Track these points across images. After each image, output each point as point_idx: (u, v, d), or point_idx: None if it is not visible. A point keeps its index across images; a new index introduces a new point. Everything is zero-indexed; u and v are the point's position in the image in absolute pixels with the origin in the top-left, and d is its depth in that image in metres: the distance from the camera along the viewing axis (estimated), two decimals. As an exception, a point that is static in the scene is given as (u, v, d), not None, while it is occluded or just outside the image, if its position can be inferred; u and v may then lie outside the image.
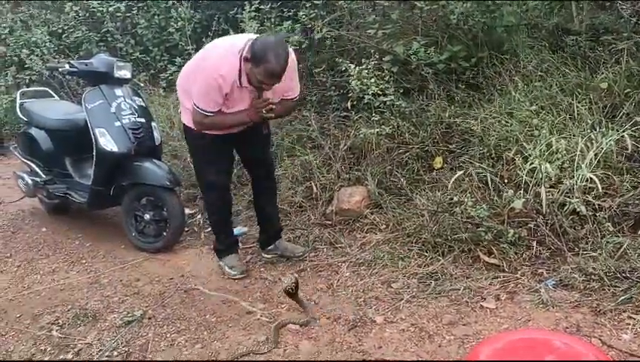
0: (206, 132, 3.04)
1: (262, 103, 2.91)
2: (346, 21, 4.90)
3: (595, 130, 3.21)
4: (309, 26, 4.69)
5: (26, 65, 6.97)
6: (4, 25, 7.61)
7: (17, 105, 4.44)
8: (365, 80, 3.89)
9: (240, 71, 2.81)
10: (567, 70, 3.81)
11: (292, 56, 2.93)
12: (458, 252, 3.08)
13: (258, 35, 2.85)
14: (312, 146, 4.23)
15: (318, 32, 4.56)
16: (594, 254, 2.76)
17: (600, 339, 2.33)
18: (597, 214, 2.89)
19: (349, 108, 4.15)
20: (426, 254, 3.14)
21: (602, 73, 3.62)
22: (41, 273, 3.50)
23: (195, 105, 2.93)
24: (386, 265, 3.14)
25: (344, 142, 4.02)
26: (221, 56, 2.87)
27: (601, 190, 2.92)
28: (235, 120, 3.01)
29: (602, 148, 3.06)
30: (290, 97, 3.13)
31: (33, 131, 4.22)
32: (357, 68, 3.93)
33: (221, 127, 3.03)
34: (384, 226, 3.49)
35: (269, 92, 2.94)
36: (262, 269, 3.34)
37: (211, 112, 2.92)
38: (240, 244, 3.56)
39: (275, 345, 2.52)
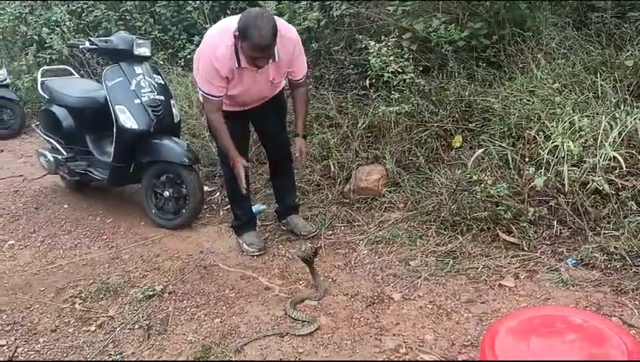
0: (224, 108, 3.03)
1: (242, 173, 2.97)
2: (365, -2, 4.84)
3: (620, 109, 3.14)
4: (328, 2, 4.64)
5: (47, 45, 7.02)
6: (25, 4, 7.66)
7: (39, 83, 4.49)
8: (384, 58, 3.85)
9: (237, 52, 2.79)
10: (591, 47, 3.73)
11: (294, 34, 2.93)
12: (477, 230, 3.06)
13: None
14: (330, 125, 4.22)
15: (336, 10, 4.51)
16: (616, 233, 2.72)
17: (620, 318, 2.31)
18: (620, 193, 2.84)
19: (368, 86, 4.11)
20: (444, 232, 3.13)
21: (628, 51, 3.53)
22: (63, 248, 3.57)
23: (201, 89, 2.96)
24: (404, 243, 3.14)
25: (362, 120, 3.99)
26: (215, 39, 2.86)
27: (624, 169, 2.87)
28: (224, 142, 3.02)
29: (627, 127, 2.99)
30: (295, 78, 3.11)
31: (54, 109, 4.27)
32: (376, 45, 3.88)
33: (217, 131, 3.03)
34: (402, 205, 3.48)
35: (271, 71, 2.92)
36: (280, 246, 3.36)
37: (216, 97, 2.92)
38: (258, 222, 3.58)
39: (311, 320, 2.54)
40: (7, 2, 7.90)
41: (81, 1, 7.27)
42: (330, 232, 3.44)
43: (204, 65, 2.87)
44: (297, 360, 2.32)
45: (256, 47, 2.68)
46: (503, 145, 3.31)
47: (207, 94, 2.93)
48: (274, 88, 3.13)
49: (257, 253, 3.26)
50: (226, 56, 2.79)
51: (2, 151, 6.22)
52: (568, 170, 2.91)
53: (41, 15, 7.46)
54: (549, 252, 2.83)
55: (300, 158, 3.16)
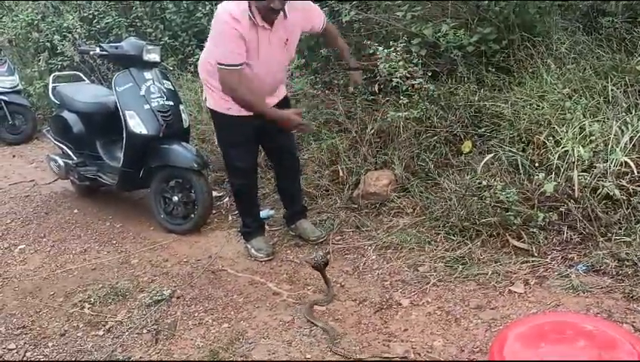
0: (232, 114, 3.03)
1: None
2: (374, 4, 4.84)
3: (631, 113, 3.12)
4: (337, 8, 4.65)
5: (58, 51, 7.09)
6: (37, 11, 7.75)
7: (50, 88, 4.53)
8: (393, 63, 3.84)
9: (251, 10, 2.78)
10: (601, 52, 3.70)
11: None
12: (486, 236, 3.04)
13: None
14: (339, 130, 4.21)
15: (345, 15, 4.52)
16: (627, 239, 2.69)
17: (632, 326, 2.28)
18: (631, 199, 2.81)
19: (377, 91, 4.10)
20: (453, 238, 3.11)
21: (639, 55, 3.51)
22: (73, 253, 3.59)
23: (219, 64, 2.83)
24: (413, 248, 3.13)
25: (371, 125, 3.98)
26: (227, 6, 2.81)
27: (636, 174, 2.84)
28: (263, 108, 2.95)
29: (638, 132, 2.97)
30: (319, 27, 3.18)
31: (65, 114, 4.31)
32: (385, 50, 3.88)
33: (250, 102, 2.91)
34: (411, 210, 3.47)
35: (281, 29, 2.92)
36: (288, 251, 3.36)
37: (239, 65, 2.81)
38: (267, 227, 3.58)
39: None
40: (20, 9, 7.99)
41: (93, 8, 7.33)
42: (339, 237, 3.43)
43: (221, 32, 2.80)
44: (305, 360, 2.31)
45: None
46: (513, 150, 3.29)
47: (229, 65, 2.80)
48: (288, 54, 3.11)
49: (266, 258, 3.26)
50: (242, 15, 2.76)
51: (14, 156, 6.28)
52: (578, 176, 2.89)
53: (53, 22, 7.53)
54: (560, 258, 2.81)
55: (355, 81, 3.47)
